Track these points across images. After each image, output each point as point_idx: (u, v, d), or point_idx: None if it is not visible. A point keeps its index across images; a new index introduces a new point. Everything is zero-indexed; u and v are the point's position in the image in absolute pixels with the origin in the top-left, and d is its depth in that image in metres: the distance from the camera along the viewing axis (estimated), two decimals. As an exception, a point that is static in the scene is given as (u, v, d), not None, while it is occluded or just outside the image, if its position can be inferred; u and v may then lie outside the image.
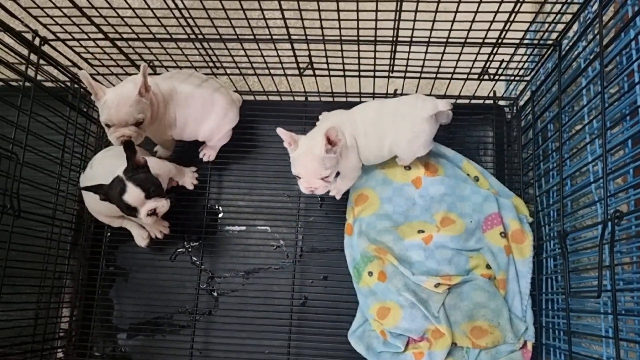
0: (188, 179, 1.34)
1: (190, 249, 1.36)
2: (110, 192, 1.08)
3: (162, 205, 1.11)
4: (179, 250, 1.36)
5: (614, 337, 0.79)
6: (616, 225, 0.77)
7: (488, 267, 1.20)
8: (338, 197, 1.31)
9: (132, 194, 1.06)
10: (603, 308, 0.96)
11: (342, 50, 1.16)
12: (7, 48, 1.10)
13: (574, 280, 1.13)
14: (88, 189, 1.10)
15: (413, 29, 1.07)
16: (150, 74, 1.30)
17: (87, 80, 1.07)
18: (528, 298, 1.17)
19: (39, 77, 1.16)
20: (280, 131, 1.07)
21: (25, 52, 1.13)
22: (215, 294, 1.33)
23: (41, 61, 1.17)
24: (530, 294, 1.18)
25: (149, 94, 1.13)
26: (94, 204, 1.25)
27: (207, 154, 1.36)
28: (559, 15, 1.06)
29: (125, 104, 1.08)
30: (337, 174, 1.21)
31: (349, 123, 1.17)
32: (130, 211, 1.09)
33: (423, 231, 1.23)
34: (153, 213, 1.10)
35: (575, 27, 1.08)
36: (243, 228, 1.37)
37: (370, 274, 1.20)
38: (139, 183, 1.07)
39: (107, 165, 1.17)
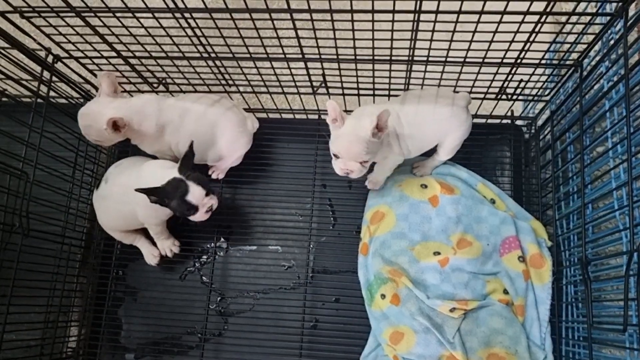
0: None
1: (200, 268, 1.34)
2: (170, 194, 1.02)
3: (215, 202, 1.09)
4: (189, 269, 1.34)
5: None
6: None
7: (505, 292, 1.16)
8: (371, 187, 1.29)
9: (195, 192, 1.03)
10: (629, 340, 0.92)
11: (356, 70, 1.14)
12: (19, 65, 1.10)
13: (596, 308, 1.08)
14: (142, 191, 1.01)
15: (430, 49, 1.05)
16: (161, 91, 1.30)
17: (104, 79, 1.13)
18: (547, 325, 1.13)
19: (50, 94, 1.16)
20: (330, 103, 1.01)
21: (37, 69, 1.13)
22: (224, 314, 1.30)
23: (53, 78, 1.16)
24: (549, 321, 1.14)
25: (118, 132, 1.11)
26: (108, 220, 1.24)
27: (217, 172, 1.35)
28: (580, 35, 1.03)
29: (88, 121, 1.12)
30: (372, 165, 1.19)
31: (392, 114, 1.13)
32: (189, 211, 1.06)
33: (439, 253, 1.20)
34: (210, 210, 1.08)
35: (597, 46, 1.04)
36: (254, 248, 1.35)
37: (383, 296, 1.17)
38: (199, 181, 1.04)
39: (124, 179, 1.16)
